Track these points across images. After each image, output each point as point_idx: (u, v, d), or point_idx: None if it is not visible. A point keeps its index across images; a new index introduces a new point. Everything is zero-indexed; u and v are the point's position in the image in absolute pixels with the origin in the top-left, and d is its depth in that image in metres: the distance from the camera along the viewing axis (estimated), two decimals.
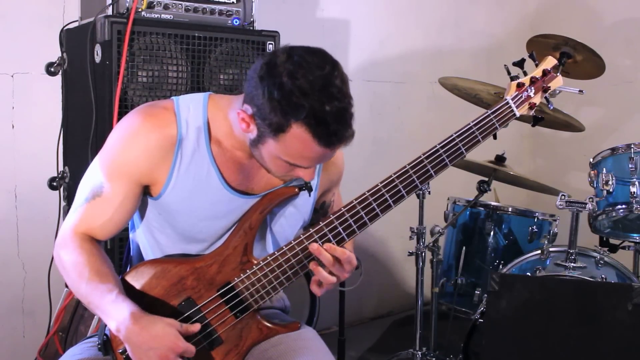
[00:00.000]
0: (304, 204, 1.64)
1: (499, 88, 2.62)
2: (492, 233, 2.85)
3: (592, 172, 2.54)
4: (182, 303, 1.51)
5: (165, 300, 1.50)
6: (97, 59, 2.20)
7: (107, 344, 1.51)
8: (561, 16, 4.01)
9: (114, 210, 1.50)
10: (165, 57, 2.22)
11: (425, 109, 3.77)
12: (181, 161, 1.50)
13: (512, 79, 1.73)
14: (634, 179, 2.42)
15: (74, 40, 2.41)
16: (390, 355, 2.94)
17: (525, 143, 4.22)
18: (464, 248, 2.88)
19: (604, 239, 2.74)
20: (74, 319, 2.34)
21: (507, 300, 2.11)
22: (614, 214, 2.49)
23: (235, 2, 2.39)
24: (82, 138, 2.32)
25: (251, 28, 2.43)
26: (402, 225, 2.81)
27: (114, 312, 1.40)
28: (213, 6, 2.34)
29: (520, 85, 1.71)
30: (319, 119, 1.34)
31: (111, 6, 2.20)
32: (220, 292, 1.52)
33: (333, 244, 1.51)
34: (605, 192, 2.43)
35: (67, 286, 2.45)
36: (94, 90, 2.21)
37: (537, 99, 1.75)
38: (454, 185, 3.12)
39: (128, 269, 1.58)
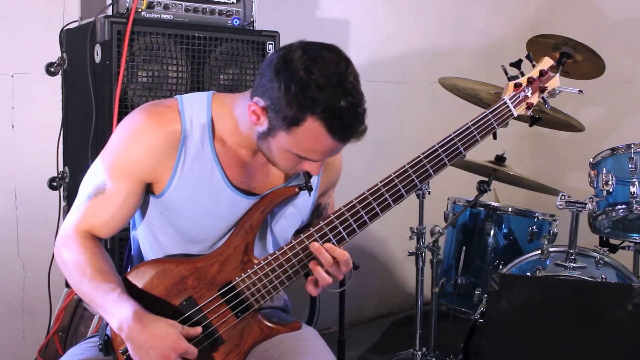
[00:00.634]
0: (303, 204, 1.65)
1: (499, 88, 2.60)
2: (492, 233, 2.86)
3: (592, 172, 2.54)
4: (183, 303, 1.51)
5: (166, 299, 1.50)
6: (97, 59, 2.20)
7: (108, 343, 1.51)
8: (561, 16, 4.01)
9: (117, 207, 1.50)
10: (165, 57, 2.22)
11: (425, 109, 3.77)
12: (185, 159, 1.50)
13: (510, 79, 1.75)
14: (634, 179, 2.42)
15: (74, 40, 2.41)
16: (390, 355, 2.94)
17: (525, 143, 4.22)
18: (464, 248, 2.88)
19: (604, 239, 2.74)
20: (74, 319, 2.34)
21: (507, 300, 2.11)
22: (614, 214, 2.49)
23: (235, 2, 2.39)
24: (82, 138, 2.32)
25: (251, 28, 2.43)
26: (402, 225, 2.81)
27: (116, 311, 1.40)
28: (213, 6, 2.34)
29: (517, 86, 1.73)
30: (334, 114, 1.36)
31: (111, 6, 2.20)
32: (221, 291, 1.52)
33: (333, 243, 1.52)
34: (605, 192, 2.43)
35: (67, 286, 2.45)
36: (94, 91, 2.21)
37: (534, 99, 1.76)
38: (454, 185, 3.12)
39: (129, 269, 1.59)
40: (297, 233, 1.63)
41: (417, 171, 1.56)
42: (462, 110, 2.92)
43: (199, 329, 1.48)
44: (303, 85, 1.35)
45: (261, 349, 1.58)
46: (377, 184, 1.55)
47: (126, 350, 1.43)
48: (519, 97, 1.72)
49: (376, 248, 3.69)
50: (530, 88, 1.74)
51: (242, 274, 1.53)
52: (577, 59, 2.59)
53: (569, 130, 2.84)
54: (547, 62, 1.78)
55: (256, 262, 1.53)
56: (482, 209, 2.88)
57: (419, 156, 1.58)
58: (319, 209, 1.73)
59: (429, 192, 2.66)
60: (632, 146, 2.45)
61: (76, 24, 2.44)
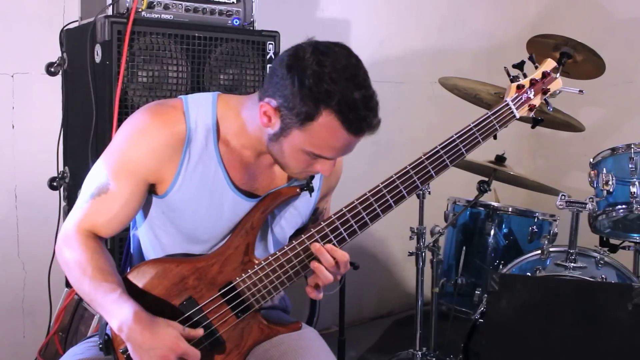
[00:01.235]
0: (304, 205, 1.65)
1: (499, 88, 2.62)
2: (492, 233, 2.86)
3: (592, 172, 2.54)
4: (183, 303, 1.51)
5: (166, 299, 1.50)
6: (97, 59, 2.20)
7: (109, 343, 1.51)
8: (561, 16, 4.01)
9: (120, 207, 1.50)
10: (165, 57, 2.22)
11: (425, 109, 3.77)
12: (189, 160, 1.50)
13: (512, 80, 1.74)
14: (634, 179, 2.42)
15: (74, 40, 2.41)
16: (390, 355, 2.95)
17: (526, 143, 4.22)
18: (464, 248, 2.88)
19: (604, 239, 2.74)
20: (74, 319, 2.34)
21: (507, 300, 2.11)
22: (614, 214, 2.49)
23: (235, 2, 2.39)
24: (82, 138, 2.32)
25: (251, 28, 2.43)
26: (402, 225, 2.81)
27: (117, 311, 1.40)
28: (213, 6, 2.34)
29: (520, 87, 1.72)
30: (349, 106, 1.36)
31: (111, 6, 2.20)
32: (222, 291, 1.52)
33: (334, 244, 1.52)
34: (605, 192, 2.43)
35: (67, 286, 2.45)
36: (94, 91, 2.21)
37: (537, 101, 1.76)
38: (454, 186, 3.11)
39: (129, 268, 1.59)
40: (294, 235, 1.63)
41: (418, 172, 1.56)
42: (462, 110, 2.93)
43: (200, 331, 1.48)
44: (317, 78, 1.35)
45: (261, 349, 1.58)
46: (378, 185, 1.54)
47: (126, 350, 1.43)
48: (521, 98, 1.72)
49: (376, 248, 3.69)
50: (532, 90, 1.74)
51: (243, 274, 1.53)
52: (577, 59, 2.59)
53: (569, 130, 2.84)
54: (549, 64, 1.78)
55: (257, 262, 1.53)
56: (482, 209, 2.88)
57: (421, 157, 1.58)
58: (316, 213, 1.73)
59: (429, 192, 2.65)
60: (632, 146, 2.45)
61: (76, 24, 2.44)
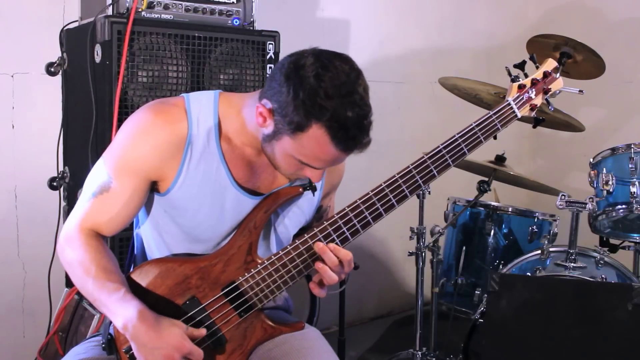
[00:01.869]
0: (307, 204, 1.65)
1: (499, 88, 2.62)
2: (492, 233, 2.86)
3: (592, 172, 2.54)
4: (186, 302, 1.51)
5: (169, 299, 1.50)
6: (97, 59, 2.20)
7: (112, 342, 1.50)
8: (561, 16, 4.02)
9: (122, 205, 1.50)
10: (165, 57, 2.22)
11: (425, 109, 3.77)
12: (191, 158, 1.50)
13: (513, 80, 1.75)
14: (634, 179, 2.42)
15: (74, 40, 2.41)
16: (390, 355, 2.95)
17: (526, 143, 4.22)
18: (464, 248, 2.88)
19: (604, 239, 2.75)
20: (74, 319, 2.34)
21: (507, 300, 2.11)
22: (614, 214, 2.49)
23: (235, 2, 2.39)
24: (82, 138, 2.32)
25: (251, 28, 2.43)
26: (402, 225, 2.81)
27: (121, 310, 1.40)
28: (213, 6, 2.34)
29: (521, 87, 1.73)
30: (340, 123, 1.36)
31: (111, 6, 2.19)
32: (225, 291, 1.52)
33: (337, 243, 1.52)
34: (605, 192, 2.43)
35: (67, 286, 2.45)
36: (94, 91, 2.21)
37: (538, 101, 1.76)
38: (454, 185, 3.12)
39: (132, 268, 1.58)
40: (298, 234, 1.63)
41: (421, 172, 1.57)
42: (462, 110, 2.93)
43: (203, 331, 1.48)
44: (312, 92, 1.35)
45: (264, 349, 1.58)
46: (381, 185, 1.55)
47: (129, 349, 1.43)
48: (522, 98, 1.73)
49: (376, 248, 3.69)
50: (534, 89, 1.74)
51: (246, 274, 1.53)
52: (577, 59, 2.59)
53: (569, 130, 2.84)
54: (550, 64, 1.78)
55: (260, 262, 1.53)
56: (482, 209, 2.89)
57: (423, 157, 1.58)
58: (319, 211, 1.73)
59: (429, 192, 2.65)
60: (632, 146, 2.46)
61: (76, 24, 2.44)
